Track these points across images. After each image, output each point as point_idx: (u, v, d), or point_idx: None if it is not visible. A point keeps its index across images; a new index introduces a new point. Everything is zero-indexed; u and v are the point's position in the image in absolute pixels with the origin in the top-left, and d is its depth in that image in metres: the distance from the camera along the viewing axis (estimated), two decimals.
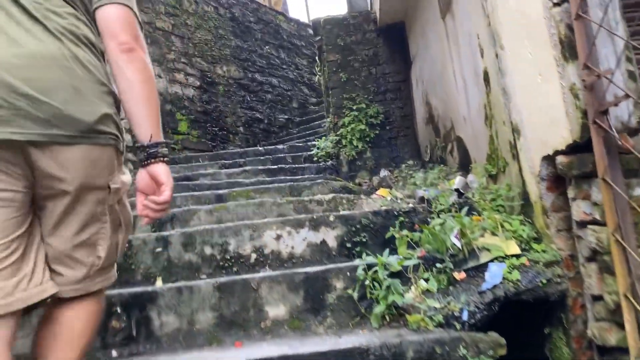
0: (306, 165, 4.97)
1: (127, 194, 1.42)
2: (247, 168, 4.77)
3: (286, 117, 8.55)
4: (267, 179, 4.31)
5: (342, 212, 2.74)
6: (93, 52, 1.28)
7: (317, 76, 6.19)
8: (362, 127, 4.84)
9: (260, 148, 5.97)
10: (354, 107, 4.94)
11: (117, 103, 1.32)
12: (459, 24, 3.05)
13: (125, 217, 1.41)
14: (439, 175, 3.51)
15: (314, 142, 6.04)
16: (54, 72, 1.18)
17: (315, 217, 2.65)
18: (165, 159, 1.31)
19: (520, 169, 2.42)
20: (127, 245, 2.05)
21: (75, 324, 1.35)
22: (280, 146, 6.05)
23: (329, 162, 5.02)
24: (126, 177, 1.39)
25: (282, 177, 4.46)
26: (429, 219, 2.69)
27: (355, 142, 4.82)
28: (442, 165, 3.85)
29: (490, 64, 2.56)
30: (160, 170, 1.30)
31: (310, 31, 10.13)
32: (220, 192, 3.66)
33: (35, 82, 1.15)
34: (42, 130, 1.16)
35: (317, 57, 5.96)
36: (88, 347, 1.40)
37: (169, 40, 6.53)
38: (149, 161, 1.30)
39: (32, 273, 1.25)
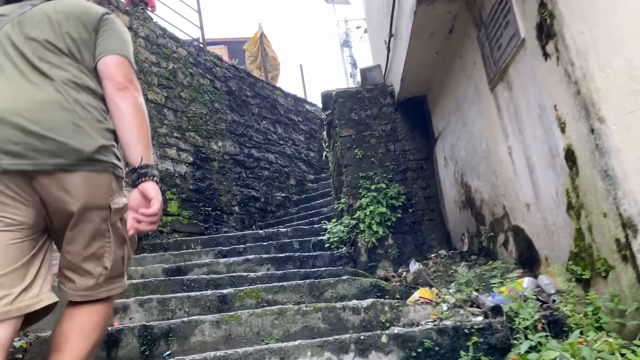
0: (317, 253, 4.35)
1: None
2: (250, 257, 4.14)
3: (283, 195, 8.03)
4: (277, 272, 3.67)
5: (396, 331, 2.10)
6: (92, 96, 1.56)
7: (325, 152, 5.74)
8: (383, 209, 4.31)
9: (260, 231, 5.36)
10: (372, 187, 4.43)
11: (115, 138, 1.57)
12: (519, 95, 2.62)
13: (125, 232, 1.59)
14: (493, 273, 2.94)
15: (320, 225, 5.48)
16: (58, 113, 1.47)
17: (362, 337, 2.02)
18: (155, 178, 1.49)
19: (638, 277, 1.87)
20: None
21: (85, 321, 1.58)
22: (282, 229, 5.45)
23: (344, 249, 4.42)
24: (126, 199, 1.59)
25: (293, 270, 3.83)
26: (511, 340, 2.08)
27: (375, 227, 4.26)
28: (488, 258, 3.28)
29: (579, 141, 2.08)
30: (150, 187, 1.47)
31: (308, 107, 9.92)
32: (224, 292, 3.01)
33: (42, 122, 1.44)
34: (49, 160, 1.44)
35: (325, 133, 5.54)
36: (97, 344, 1.62)
37: (162, 114, 6.10)
38: (139, 180, 1.47)
39: (30, 286, 1.47)
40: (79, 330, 1.55)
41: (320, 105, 10.60)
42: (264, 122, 8.26)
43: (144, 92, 6.13)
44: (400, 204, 4.41)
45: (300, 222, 6.36)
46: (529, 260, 2.77)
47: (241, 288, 3.04)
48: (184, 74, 6.73)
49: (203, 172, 6.51)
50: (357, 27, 22.59)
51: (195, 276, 3.55)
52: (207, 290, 3.46)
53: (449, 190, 4.14)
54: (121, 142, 1.54)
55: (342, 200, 4.54)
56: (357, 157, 4.59)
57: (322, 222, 5.66)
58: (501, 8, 2.67)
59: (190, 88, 6.76)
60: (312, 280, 3.09)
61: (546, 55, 2.28)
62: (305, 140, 9.32)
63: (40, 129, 1.42)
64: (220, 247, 4.72)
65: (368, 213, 4.30)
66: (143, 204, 1.47)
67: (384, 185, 4.44)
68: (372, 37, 6.22)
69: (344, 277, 3.16)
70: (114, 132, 1.56)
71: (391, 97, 4.78)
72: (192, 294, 3.01)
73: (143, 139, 1.51)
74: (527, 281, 2.56)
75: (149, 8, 7.20)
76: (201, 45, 7.59)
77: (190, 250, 4.69)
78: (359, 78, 22.41)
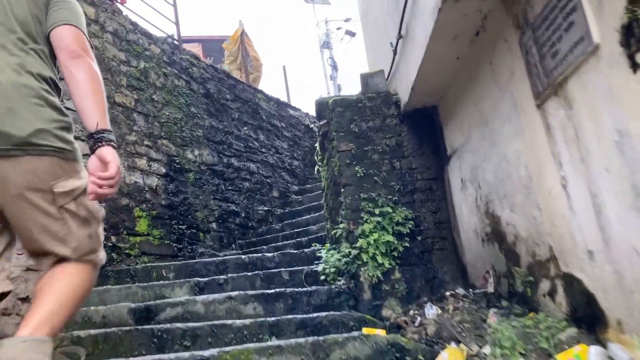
0: (312, 288, 3.78)
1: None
2: (233, 294, 3.54)
3: (266, 208, 7.42)
4: (268, 319, 3.08)
5: None
6: (36, 78, 1.58)
7: (317, 167, 5.17)
8: (389, 237, 3.76)
9: (242, 256, 4.76)
10: (376, 211, 3.88)
11: (67, 118, 1.64)
12: (584, 115, 2.10)
13: (89, 213, 1.66)
14: (539, 331, 2.41)
15: (310, 249, 4.91)
16: None
17: None
18: (112, 143, 1.56)
19: None
20: None
21: (68, 279, 1.63)
22: (267, 253, 4.85)
23: (342, 283, 3.86)
24: (80, 181, 1.63)
25: (287, 316, 3.25)
26: None
27: (379, 258, 3.71)
28: (525, 307, 2.77)
29: None
30: (106, 151, 1.54)
31: (291, 111, 9.33)
32: (205, 355, 2.40)
33: None
34: None
35: (318, 144, 4.97)
36: (77, 306, 1.67)
37: (131, 119, 5.43)
38: (96, 146, 1.54)
39: None
40: (59, 285, 1.60)
41: (304, 110, 10.09)
42: (245, 128, 7.64)
43: (111, 93, 5.47)
44: (408, 231, 3.88)
45: (286, 242, 5.78)
46: (587, 319, 2.26)
47: (226, 349, 2.43)
48: (157, 74, 6.07)
49: (177, 184, 5.86)
50: (338, 29, 22.15)
51: (169, 325, 2.93)
52: (182, 342, 2.86)
53: (466, 217, 3.63)
54: (77, 110, 1.58)
55: (341, 226, 3.98)
56: (358, 175, 4.04)
57: (313, 244, 5.10)
58: (561, 6, 2.15)
59: (163, 90, 6.11)
60: (316, 339, 2.51)
61: (635, 67, 1.77)
62: (288, 148, 8.74)
63: None
64: (197, 278, 4.09)
65: (372, 242, 3.74)
66: (101, 168, 1.53)
67: (389, 209, 3.89)
68: (369, 38, 5.69)
69: (355, 334, 2.59)
70: (62, 113, 1.62)
71: (396, 107, 4.24)
72: (164, 357, 2.40)
73: (99, 104, 1.57)
74: (594, 352, 2.05)
75: (119, 0, 6.52)
76: (176, 43, 6.93)
77: (162, 282, 4.05)
78: (339, 80, 21.63)
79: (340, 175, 4.08)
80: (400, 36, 3.79)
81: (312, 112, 9.70)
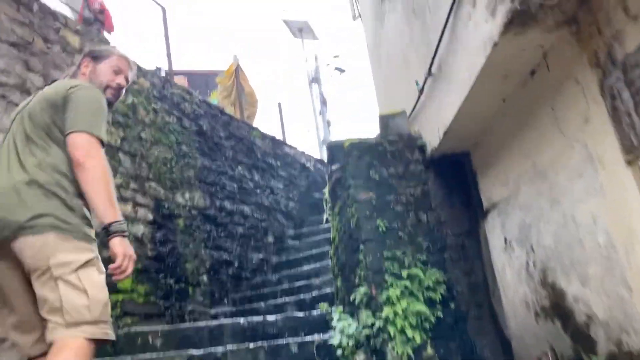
0: None
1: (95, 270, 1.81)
2: None
3: (260, 256, 6.86)
4: None
5: None
6: (51, 172, 1.88)
7: (326, 216, 4.67)
8: (420, 307, 3.26)
9: (240, 320, 4.19)
10: (403, 274, 3.39)
11: (69, 203, 1.86)
12: None
13: (87, 284, 1.76)
14: None
15: (317, 310, 4.37)
16: (10, 195, 1.83)
17: None
18: (119, 233, 1.81)
19: None
20: None
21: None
22: (269, 316, 4.29)
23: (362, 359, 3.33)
24: (81, 255, 1.79)
25: None
26: None
27: (409, 332, 3.19)
28: None
29: None
30: (114, 243, 1.80)
31: (287, 149, 8.89)
32: None
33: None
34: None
35: (327, 190, 4.50)
36: None
37: (116, 159, 4.92)
38: (107, 238, 1.81)
39: None
40: None
41: (299, 148, 9.67)
42: (240, 167, 7.16)
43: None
44: (440, 297, 3.38)
45: (286, 298, 5.22)
46: None
47: None
48: (146, 110, 5.60)
49: (165, 232, 5.31)
50: (327, 64, 22.11)
51: None
52: None
53: (512, 283, 3.15)
54: (89, 206, 1.88)
55: (361, 290, 3.46)
56: (380, 229, 3.56)
57: (320, 305, 4.55)
58: None
59: (153, 127, 5.62)
60: None
61: None
62: (284, 188, 8.25)
63: None
64: (191, 351, 3.51)
65: (400, 311, 3.23)
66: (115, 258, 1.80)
67: (418, 271, 3.40)
68: (380, 73, 5.33)
69: None
70: (69, 203, 1.87)
71: (420, 151, 3.81)
72: None
73: (103, 203, 1.81)
74: None
75: (106, 29, 6.11)
76: (167, 77, 6.51)
77: (148, 356, 3.46)
78: (329, 117, 21.38)
79: (359, 229, 3.59)
80: (430, 74, 3.39)
81: (305, 149, 9.34)
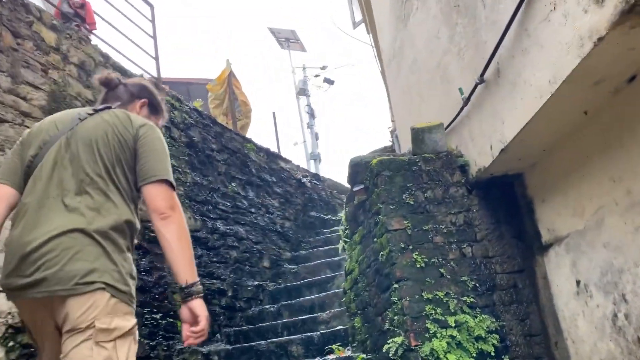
0: None
1: (132, 339, 1.67)
2: None
3: (256, 283, 6.23)
4: None
5: None
6: (107, 221, 1.66)
7: (341, 246, 4.09)
8: None
9: None
10: (450, 321, 2.83)
11: (125, 258, 1.71)
12: None
13: (121, 357, 1.59)
14: None
15: (331, 353, 3.79)
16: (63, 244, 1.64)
17: None
18: (200, 294, 1.72)
19: None
20: None
21: None
22: None
23: None
24: (126, 322, 1.64)
25: None
26: None
27: None
28: None
29: None
30: (196, 304, 1.70)
31: (282, 164, 8.31)
32: None
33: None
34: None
35: (344, 214, 3.93)
36: None
37: None
38: (187, 299, 1.70)
39: None
40: None
41: (294, 161, 9.12)
42: (233, 184, 6.55)
43: None
44: (492, 349, 2.83)
45: (290, 336, 4.63)
46: None
47: None
48: None
49: (151, 259, 4.67)
50: (316, 76, 21.65)
51: None
52: None
53: (588, 337, 2.61)
54: (168, 263, 1.74)
55: (397, 340, 2.88)
56: (418, 265, 3.00)
57: (334, 348, 3.98)
58: None
59: None
60: None
61: None
62: (280, 207, 7.65)
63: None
64: None
65: None
66: (191, 318, 1.70)
67: (467, 318, 2.85)
68: (399, 82, 4.81)
69: None
70: (121, 263, 1.69)
71: (461, 172, 3.28)
72: None
73: (186, 261, 1.72)
74: None
75: (87, 26, 5.49)
76: (155, 81, 5.90)
77: None
78: (317, 129, 20.67)
79: (392, 265, 3.03)
80: (481, 80, 2.87)
81: (299, 163, 8.78)
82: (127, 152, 1.75)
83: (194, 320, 1.69)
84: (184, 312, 1.71)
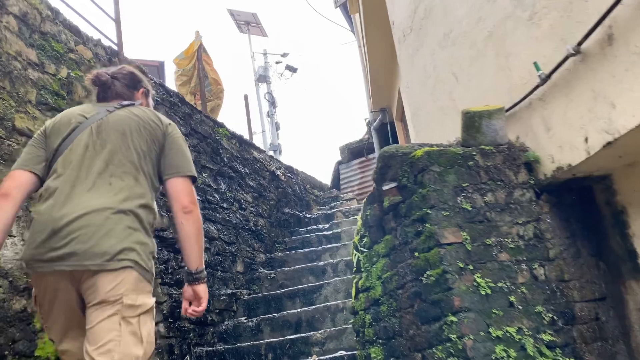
0: None
1: (152, 316, 1.81)
2: None
3: (229, 291, 5.42)
4: None
5: None
6: (137, 205, 1.83)
7: (356, 255, 3.35)
8: None
9: None
10: None
11: (150, 240, 1.88)
12: None
13: (144, 333, 1.74)
14: None
15: None
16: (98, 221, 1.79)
17: None
18: (205, 280, 1.94)
19: None
20: None
21: None
22: None
23: None
24: (149, 299, 1.79)
25: None
26: None
27: None
28: None
29: None
30: (201, 289, 1.94)
31: (255, 153, 7.49)
32: None
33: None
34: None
35: (361, 220, 3.20)
36: None
37: None
38: (194, 282, 1.92)
39: None
40: None
41: (269, 151, 8.29)
42: (204, 174, 5.70)
43: (7, 113, 3.43)
44: None
45: None
46: None
47: None
48: (85, 89, 4.07)
49: None
50: (277, 62, 20.74)
51: None
52: None
53: None
54: (182, 249, 1.92)
55: None
56: (482, 292, 2.32)
57: None
58: None
59: None
60: None
61: None
62: (253, 202, 6.85)
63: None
64: None
65: None
66: (194, 299, 1.93)
67: None
68: (419, 61, 4.11)
69: None
70: (147, 239, 1.86)
71: (527, 170, 2.63)
72: None
73: (199, 251, 1.92)
74: None
75: None
76: (115, 48, 4.96)
77: None
78: (277, 118, 19.89)
79: (447, 290, 2.33)
80: (577, 51, 2.21)
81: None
82: (157, 145, 1.94)
83: (196, 301, 1.93)
84: (188, 291, 1.94)
